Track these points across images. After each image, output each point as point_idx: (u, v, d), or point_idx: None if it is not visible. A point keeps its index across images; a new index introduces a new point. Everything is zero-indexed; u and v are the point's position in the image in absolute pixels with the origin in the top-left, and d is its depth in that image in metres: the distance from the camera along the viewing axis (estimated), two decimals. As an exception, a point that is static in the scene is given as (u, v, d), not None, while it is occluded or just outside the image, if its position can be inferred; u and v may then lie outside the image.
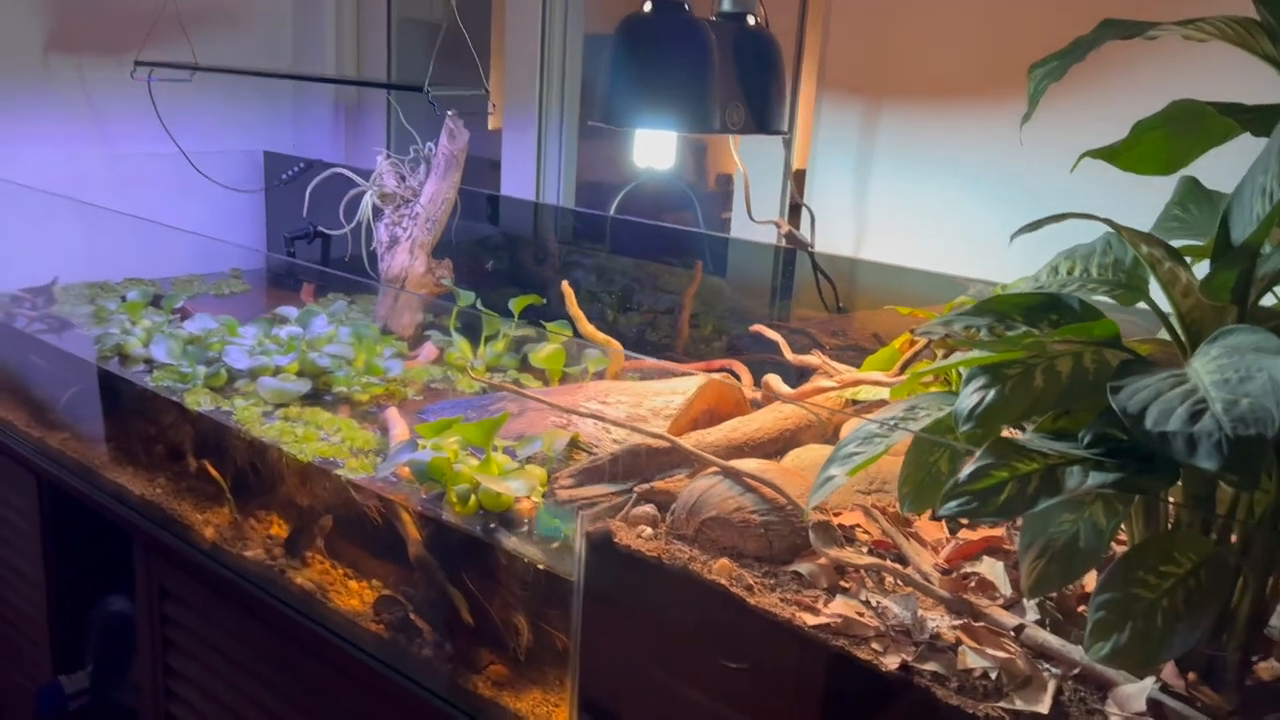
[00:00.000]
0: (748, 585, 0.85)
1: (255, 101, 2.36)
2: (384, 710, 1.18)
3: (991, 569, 0.86)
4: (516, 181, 2.07)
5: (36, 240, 2.03)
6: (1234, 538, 0.70)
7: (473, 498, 1.04)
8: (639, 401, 1.18)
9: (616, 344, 1.56)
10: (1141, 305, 0.79)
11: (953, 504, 0.65)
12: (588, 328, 1.56)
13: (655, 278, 1.84)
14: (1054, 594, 0.81)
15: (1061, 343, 0.71)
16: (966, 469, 0.66)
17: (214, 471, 1.36)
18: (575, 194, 2.07)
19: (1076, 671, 0.73)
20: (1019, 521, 0.99)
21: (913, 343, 1.15)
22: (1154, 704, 0.68)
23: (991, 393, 0.68)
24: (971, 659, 0.75)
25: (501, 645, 1.09)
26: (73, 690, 1.72)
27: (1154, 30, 0.87)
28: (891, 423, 0.80)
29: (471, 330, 1.71)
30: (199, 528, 1.41)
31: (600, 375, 1.52)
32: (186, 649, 1.52)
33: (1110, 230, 0.83)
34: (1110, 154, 0.99)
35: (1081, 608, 0.84)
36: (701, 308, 1.73)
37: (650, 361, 1.56)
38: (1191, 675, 0.71)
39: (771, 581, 0.86)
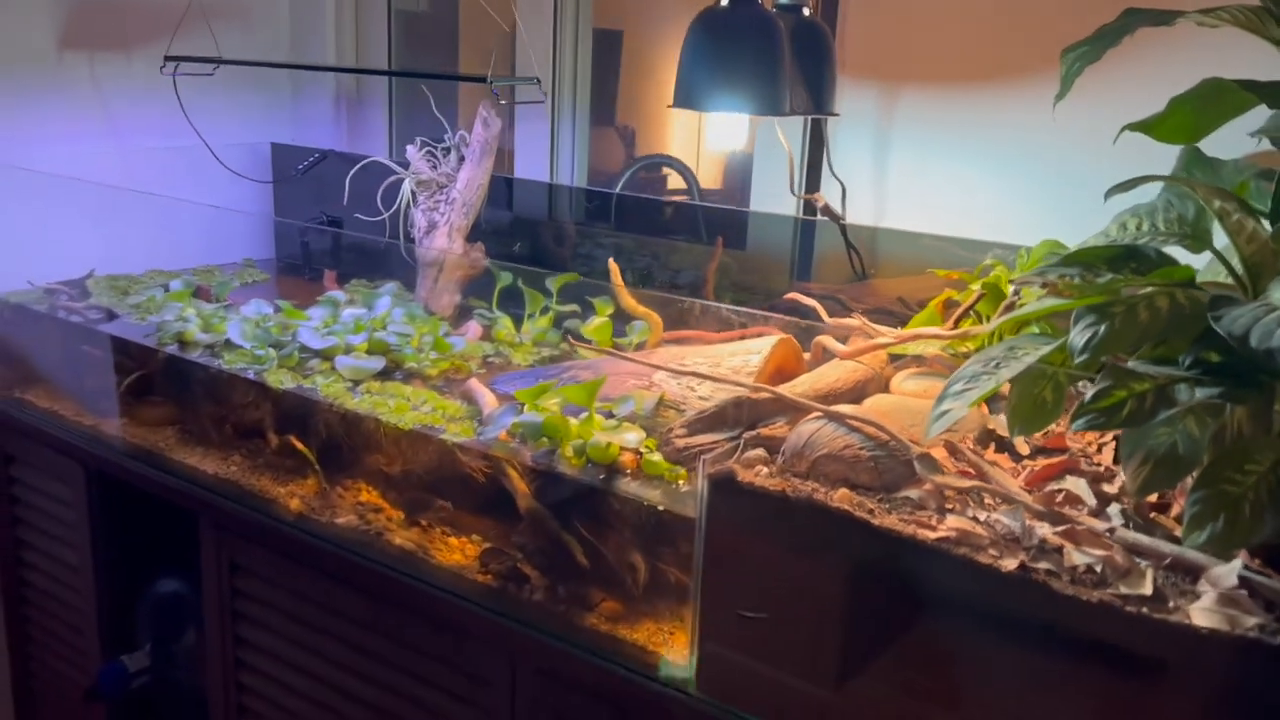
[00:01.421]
0: (869, 510, 0.97)
1: (256, 95, 2.40)
2: (491, 655, 1.28)
3: (1075, 485, 0.99)
4: (530, 167, 2.16)
5: (51, 233, 2.06)
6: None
7: (587, 451, 1.14)
8: (717, 362, 1.29)
9: (657, 317, 1.67)
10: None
11: (1082, 420, 0.79)
12: (629, 301, 1.67)
13: (676, 253, 1.95)
14: (1131, 502, 0.95)
15: (1153, 285, 0.84)
16: (1090, 392, 0.79)
17: (300, 445, 1.44)
18: (588, 178, 2.17)
19: (1167, 561, 0.87)
20: (1085, 446, 1.14)
21: (974, 295, 1.28)
22: (1242, 580, 0.82)
23: (1103, 327, 0.81)
24: (1076, 557, 0.89)
25: (612, 584, 1.20)
26: (135, 669, 1.77)
27: (1177, 19, 1.01)
28: (995, 362, 0.93)
29: (508, 309, 1.81)
30: (283, 500, 1.48)
31: (642, 347, 1.63)
32: (258, 620, 1.59)
33: (1169, 190, 0.97)
34: (1147, 126, 1.14)
35: (1154, 514, 0.98)
36: (725, 280, 1.85)
37: (687, 332, 1.67)
38: (1256, 561, 0.86)
39: (887, 506, 0.99)
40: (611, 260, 1.62)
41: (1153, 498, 1.02)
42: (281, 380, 1.44)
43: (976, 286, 1.37)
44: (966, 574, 0.91)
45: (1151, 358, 0.83)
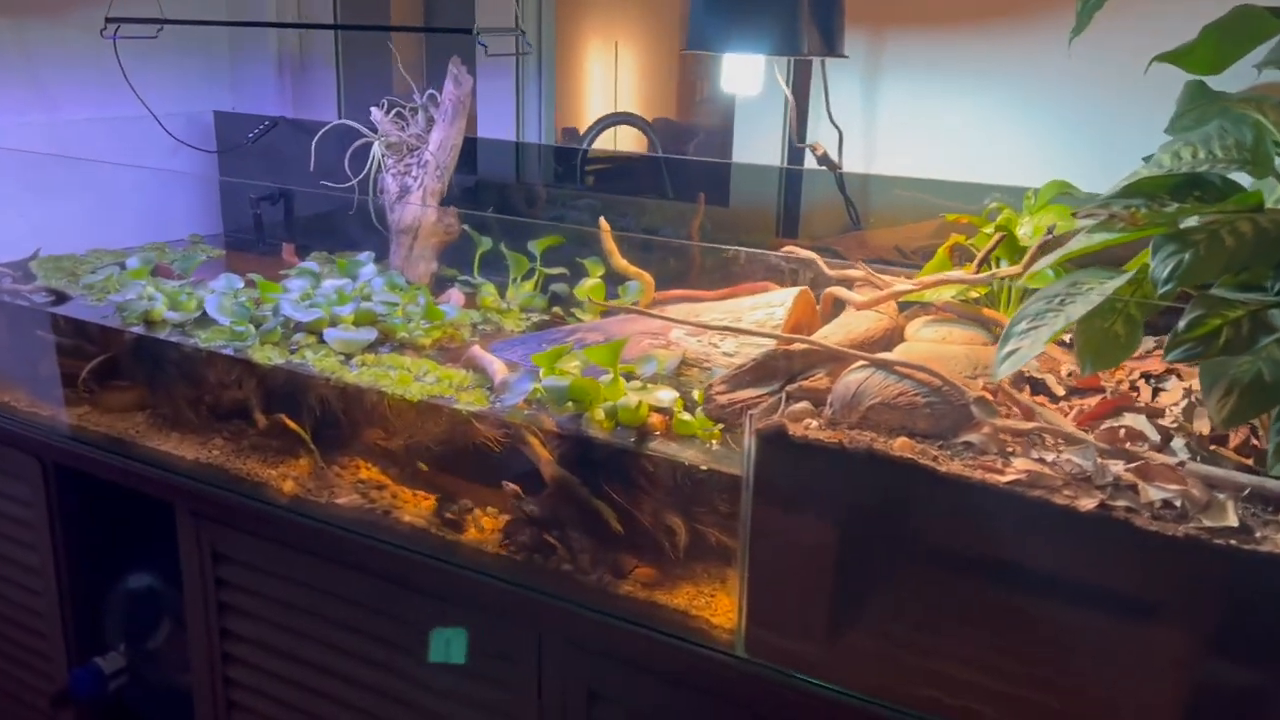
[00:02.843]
0: (933, 457, 0.94)
1: (193, 61, 2.27)
2: (515, 631, 1.23)
3: (1135, 421, 0.98)
4: (493, 123, 2.08)
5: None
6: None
7: (618, 413, 1.09)
8: (737, 317, 1.25)
9: (649, 277, 1.62)
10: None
11: (1178, 351, 0.76)
12: (620, 261, 1.61)
13: (656, 212, 1.90)
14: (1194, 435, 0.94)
15: (1224, 211, 0.82)
16: (1182, 321, 0.77)
17: (292, 424, 1.36)
18: (556, 136, 2.10)
19: (1246, 493, 0.86)
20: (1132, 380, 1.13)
21: (992, 237, 1.26)
22: (1330, 505, 0.81)
23: (1187, 255, 0.79)
24: (1152, 493, 0.87)
25: (646, 550, 1.15)
26: (111, 670, 1.67)
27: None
28: (1060, 298, 0.91)
29: (488, 275, 1.74)
30: (274, 483, 1.40)
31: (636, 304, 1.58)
32: (246, 610, 1.51)
33: (1223, 116, 0.95)
34: (1176, 56, 1.12)
35: (1214, 446, 0.97)
36: (710, 236, 1.81)
37: (678, 292, 1.63)
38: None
39: (948, 453, 0.96)
40: (602, 220, 1.56)
41: (1204, 430, 1.01)
42: (269, 356, 1.35)
43: (990, 230, 1.35)
44: (1041, 516, 0.89)
45: (1234, 285, 0.81)
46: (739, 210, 1.83)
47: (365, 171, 1.71)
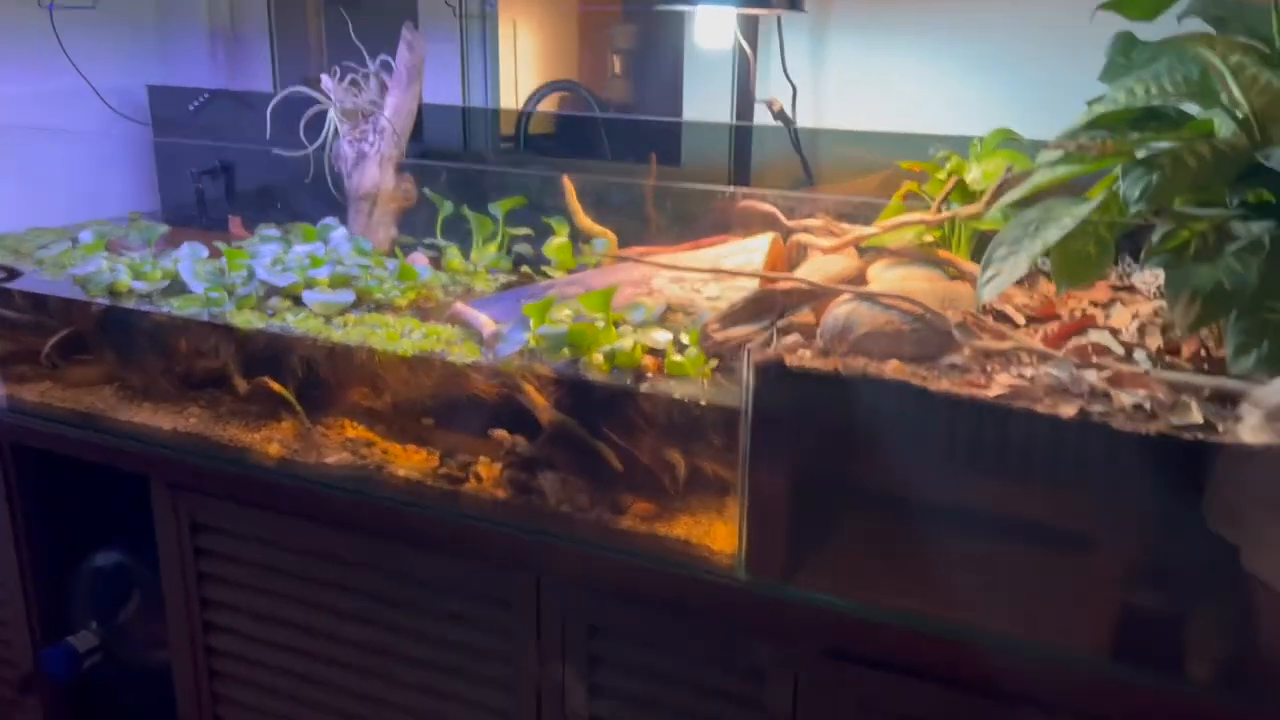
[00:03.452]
0: (923, 378, 1.02)
1: (119, 35, 2.21)
2: (512, 575, 1.27)
3: (1100, 337, 1.07)
4: (438, 88, 2.08)
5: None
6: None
7: (616, 356, 1.14)
8: (716, 264, 1.30)
9: (613, 235, 1.66)
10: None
11: (1154, 260, 0.85)
12: (584, 220, 1.65)
13: (610, 172, 1.94)
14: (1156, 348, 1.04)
15: (1180, 138, 0.91)
16: (1156, 235, 0.85)
17: (277, 387, 1.37)
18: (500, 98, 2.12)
19: (1206, 393, 0.96)
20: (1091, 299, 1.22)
21: (948, 180, 1.34)
22: (1282, 398, 0.91)
23: (1155, 176, 0.87)
24: (1125, 398, 0.96)
25: (643, 487, 1.21)
26: (84, 649, 1.66)
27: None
28: (1033, 225, 0.99)
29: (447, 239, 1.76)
30: (259, 446, 1.41)
31: (599, 266, 1.62)
32: (228, 578, 1.52)
33: (1169, 54, 1.04)
34: (1118, 4, 1.21)
35: (1170, 356, 1.07)
36: (664, 199, 1.85)
37: (640, 249, 1.67)
38: None
39: (936, 373, 1.03)
40: (566, 178, 1.59)
41: (1157, 345, 1.11)
42: (250, 320, 1.36)
43: (943, 176, 1.44)
44: (1027, 426, 0.97)
45: (1196, 202, 0.90)
46: (691, 169, 1.88)
47: (321, 139, 1.71)
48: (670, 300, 1.27)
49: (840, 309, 1.09)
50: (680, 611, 1.18)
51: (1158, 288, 1.33)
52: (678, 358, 1.18)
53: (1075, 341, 1.08)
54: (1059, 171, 1.07)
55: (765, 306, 1.15)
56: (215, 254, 1.58)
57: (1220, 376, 0.97)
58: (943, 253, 1.41)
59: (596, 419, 1.19)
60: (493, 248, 1.70)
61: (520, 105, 2.20)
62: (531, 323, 1.21)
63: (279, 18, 2.29)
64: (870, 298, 1.09)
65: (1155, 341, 1.10)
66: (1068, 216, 0.96)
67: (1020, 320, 1.24)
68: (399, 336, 1.30)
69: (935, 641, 1.04)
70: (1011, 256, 0.97)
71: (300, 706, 1.50)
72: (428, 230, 1.82)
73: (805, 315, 1.15)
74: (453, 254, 1.69)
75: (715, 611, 1.15)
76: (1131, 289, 1.34)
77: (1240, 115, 0.96)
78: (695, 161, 1.87)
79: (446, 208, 1.74)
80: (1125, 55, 1.32)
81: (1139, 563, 1.00)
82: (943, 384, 1.01)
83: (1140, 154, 0.91)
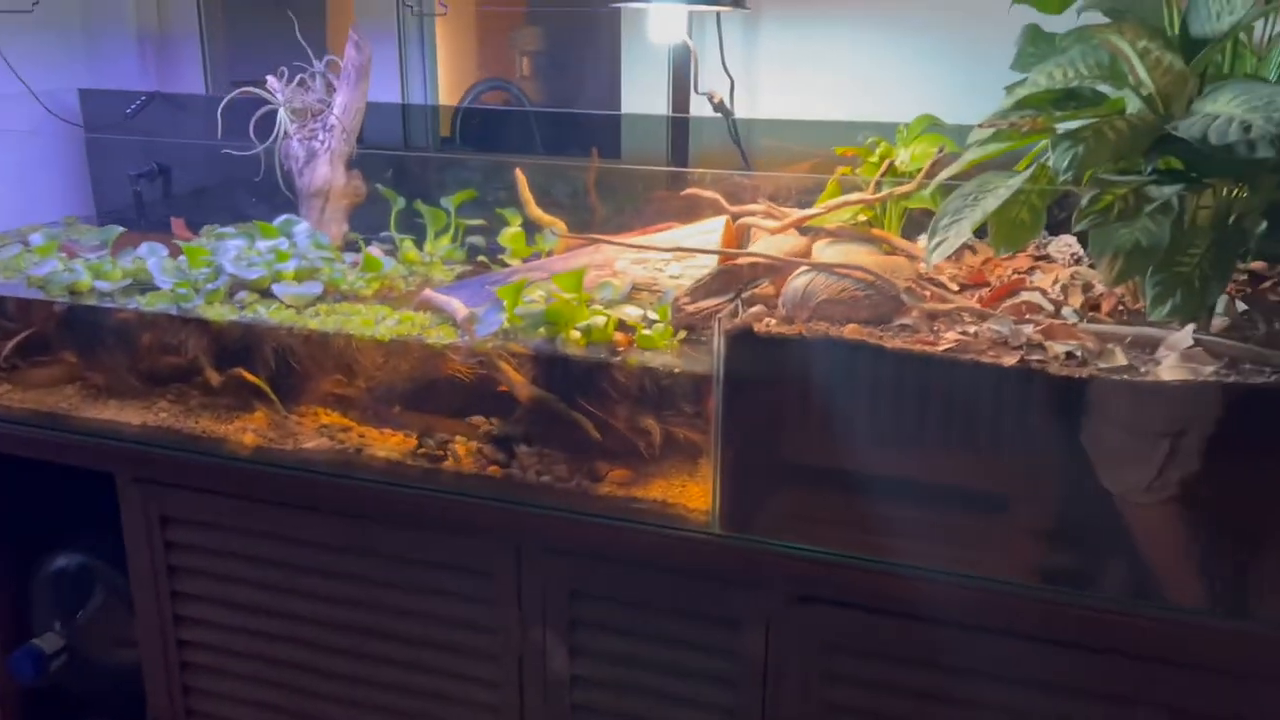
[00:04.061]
0: (879, 337, 1.12)
1: (44, 40, 2.19)
2: (492, 546, 1.33)
3: (1031, 297, 1.19)
4: (377, 87, 2.12)
5: None
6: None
7: (592, 332, 1.22)
8: (677, 244, 1.39)
9: (563, 225, 1.73)
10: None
11: (1084, 222, 0.96)
12: (535, 211, 1.72)
13: (551, 168, 2.01)
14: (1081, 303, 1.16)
15: (1098, 115, 1.03)
16: (1083, 200, 0.97)
17: (251, 377, 1.41)
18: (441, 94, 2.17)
19: (1128, 340, 1.08)
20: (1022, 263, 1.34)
21: (883, 164, 1.45)
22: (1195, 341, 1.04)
23: (1081, 148, 0.99)
24: (1058, 348, 1.07)
25: (619, 454, 1.28)
26: (51, 651, 1.66)
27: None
28: (972, 195, 1.10)
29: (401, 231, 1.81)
30: (234, 437, 1.44)
31: (550, 254, 1.69)
32: (201, 570, 1.54)
33: (1081, 42, 1.16)
34: (1033, -2, 1.33)
35: (1092, 312, 1.19)
36: (607, 189, 1.93)
37: (579, 238, 1.75)
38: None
39: (891, 333, 1.14)
40: (519, 170, 1.66)
41: (1079, 302, 1.23)
42: (222, 314, 1.39)
43: (875, 159, 1.55)
44: (974, 376, 1.08)
45: (1115, 171, 1.02)
46: (631, 161, 1.96)
47: (272, 138, 1.74)
48: (635, 280, 1.35)
49: (799, 280, 1.19)
50: (657, 569, 1.26)
51: (1071, 254, 1.47)
52: (648, 332, 1.26)
53: (1009, 302, 1.20)
54: (990, 149, 1.18)
55: (731, 280, 1.24)
56: (174, 253, 1.60)
57: (1139, 326, 1.09)
58: (876, 231, 1.52)
59: (574, 392, 1.26)
60: (446, 239, 1.76)
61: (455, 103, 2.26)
62: (506, 304, 1.28)
63: (208, 21, 2.29)
64: (827, 269, 1.19)
65: (1077, 300, 1.22)
66: (1003, 187, 1.08)
67: (954, 288, 1.36)
68: (374, 323, 1.35)
69: (892, 578, 1.14)
70: (955, 224, 1.08)
71: (280, 692, 1.53)
72: (376, 226, 1.87)
73: (766, 288, 1.24)
74: (408, 246, 1.74)
75: (692, 566, 1.23)
76: (1048, 258, 1.47)
77: (1146, 93, 1.08)
78: (635, 153, 1.96)
79: (399, 202, 1.79)
80: (1034, 45, 1.46)
81: (1046, 496, 1.11)
82: (897, 342, 1.11)
83: (1064, 129, 1.03)
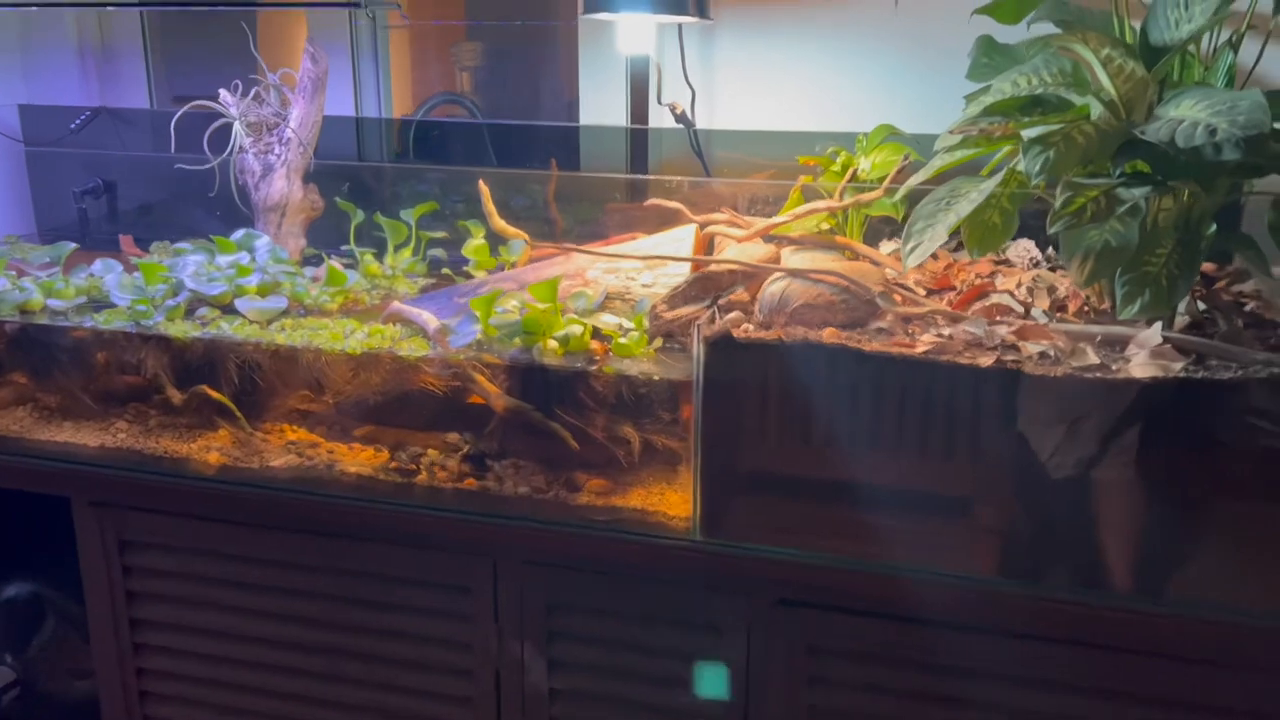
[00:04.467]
0: (857, 341, 1.13)
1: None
2: (467, 561, 1.31)
3: (1001, 299, 1.21)
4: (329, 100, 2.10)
5: None
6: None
7: (570, 341, 1.21)
8: (648, 253, 1.39)
9: (525, 236, 1.72)
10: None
11: (1059, 224, 0.98)
12: (499, 223, 1.71)
13: (510, 180, 2.00)
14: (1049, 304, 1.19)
15: (1065, 121, 1.06)
16: (1057, 203, 0.99)
17: (217, 395, 1.38)
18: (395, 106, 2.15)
19: (1098, 339, 1.11)
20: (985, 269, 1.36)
21: (849, 171, 1.47)
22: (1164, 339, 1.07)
23: (1051, 152, 1.01)
24: (1031, 348, 1.10)
25: (595, 464, 1.28)
26: (3, 684, 1.60)
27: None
28: (944, 200, 1.12)
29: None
30: (197, 456, 1.41)
31: (514, 265, 1.69)
32: (162, 594, 1.50)
33: (1043, 52, 1.20)
34: (992, 9, 1.37)
35: (1059, 313, 1.22)
36: (567, 200, 1.93)
37: (552, 247, 1.75)
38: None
39: (867, 337, 1.15)
40: (481, 182, 1.65)
41: (1044, 304, 1.26)
42: (186, 331, 1.36)
43: (837, 168, 1.57)
44: (951, 376, 1.09)
45: (1084, 174, 1.05)
46: (590, 171, 1.96)
47: (227, 152, 1.71)
48: (608, 289, 1.35)
49: (774, 286, 1.20)
50: (636, 578, 1.26)
51: (1030, 258, 1.50)
52: (623, 340, 1.26)
53: (979, 304, 1.22)
54: (957, 155, 1.21)
55: (707, 287, 1.24)
56: (128, 269, 1.56)
57: (1107, 325, 1.12)
58: (839, 238, 1.54)
59: (551, 402, 1.25)
60: (407, 252, 1.74)
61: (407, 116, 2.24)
62: (479, 315, 1.27)
63: (151, 34, 2.24)
64: (802, 274, 1.20)
65: (1044, 302, 1.25)
66: (974, 191, 1.10)
67: (921, 292, 1.38)
68: (344, 337, 1.33)
69: (874, 579, 1.16)
70: (929, 228, 1.10)
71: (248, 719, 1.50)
72: (333, 240, 1.84)
73: (740, 294, 1.25)
74: (369, 260, 1.72)
75: (673, 573, 1.23)
76: (1008, 262, 1.50)
77: (1107, 99, 1.12)
78: (595, 165, 1.96)
79: (358, 216, 1.77)
80: (987, 56, 1.49)
81: (1008, 488, 1.14)
82: (875, 345, 1.13)
83: (1033, 134, 1.05)
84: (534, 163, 1.99)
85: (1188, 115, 0.98)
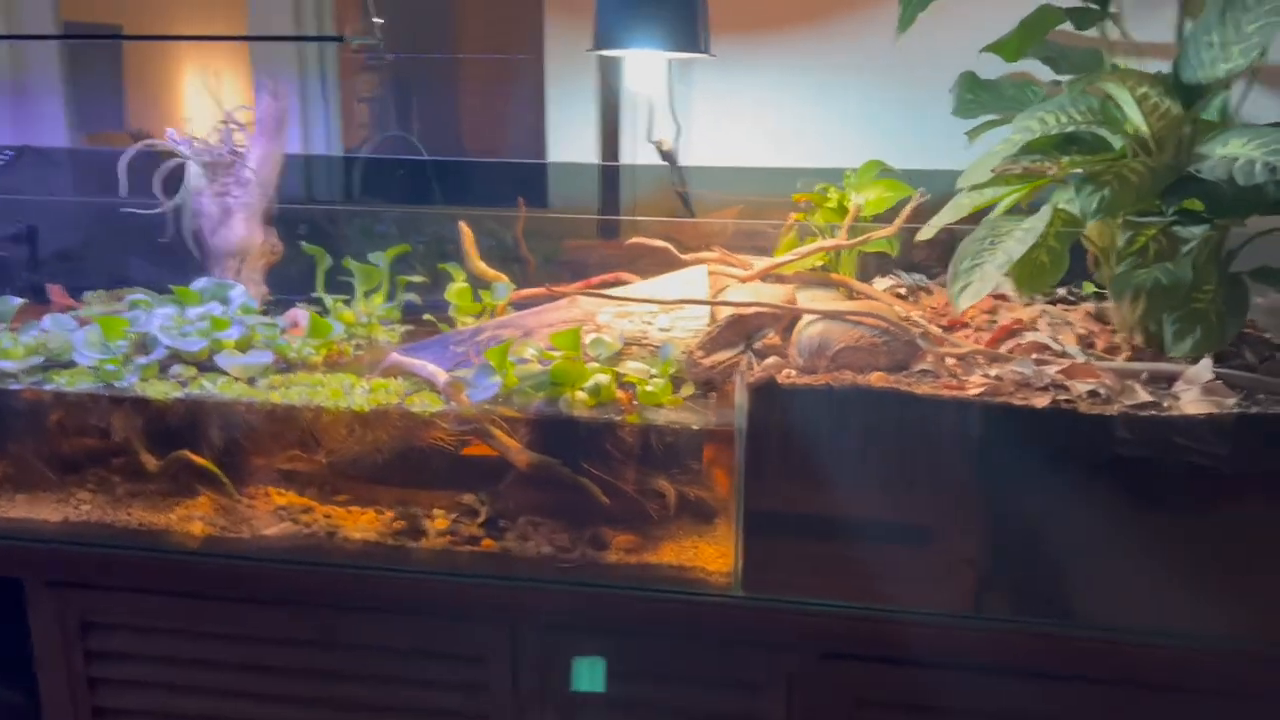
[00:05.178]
0: (907, 384, 1.11)
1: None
2: (483, 628, 1.23)
3: (1038, 337, 1.20)
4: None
5: None
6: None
7: (602, 391, 1.15)
8: (660, 296, 1.34)
9: (506, 278, 1.65)
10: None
11: (1122, 266, 0.98)
12: (479, 265, 1.64)
13: (476, 220, 1.92)
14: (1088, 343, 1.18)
15: (1103, 159, 1.06)
16: (1121, 240, 0.99)
17: (200, 460, 1.27)
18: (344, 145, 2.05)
19: (1144, 376, 1.11)
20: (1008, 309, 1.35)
21: (851, 211, 1.45)
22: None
23: (1106, 191, 1.01)
24: (1080, 386, 1.09)
25: (621, 519, 1.22)
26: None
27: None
28: (988, 240, 1.10)
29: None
30: (176, 527, 1.29)
31: (496, 310, 1.61)
32: (128, 679, 1.37)
33: (1070, 90, 1.20)
34: (999, 47, 1.38)
35: (1089, 350, 1.22)
36: (538, 241, 1.87)
37: (534, 290, 1.67)
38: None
39: (913, 380, 1.13)
40: (463, 223, 1.58)
41: (1072, 341, 1.26)
42: (166, 391, 1.25)
43: (833, 204, 1.55)
44: (1006, 418, 1.07)
45: (1135, 213, 1.05)
46: (560, 210, 1.90)
47: (179, 197, 1.59)
48: (624, 334, 1.30)
49: (813, 328, 1.17)
50: (669, 637, 1.20)
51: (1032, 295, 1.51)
52: (649, 388, 1.20)
53: (1013, 342, 1.21)
54: (986, 195, 1.20)
55: (742, 330, 1.20)
56: (81, 323, 1.43)
57: (1152, 362, 1.12)
58: (834, 275, 1.52)
59: (577, 456, 1.19)
60: (380, 298, 1.65)
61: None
62: (494, 366, 1.20)
63: (71, 68, 2.09)
64: (838, 316, 1.17)
65: (1071, 339, 1.25)
66: (1021, 230, 1.09)
67: (937, 330, 1.36)
68: (344, 393, 1.24)
69: (923, 629, 1.13)
70: (978, 268, 1.08)
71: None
72: (286, 285, 1.74)
73: (772, 339, 1.21)
74: (340, 307, 1.62)
75: (715, 631, 1.18)
76: (1005, 297, 1.51)
77: (1140, 137, 1.12)
78: (564, 202, 1.90)
79: (326, 260, 1.66)
80: (971, 92, 1.50)
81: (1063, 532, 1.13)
82: (926, 388, 1.10)
83: (1079, 173, 1.05)
84: (511, 200, 1.92)
85: (1240, 153, 0.99)
